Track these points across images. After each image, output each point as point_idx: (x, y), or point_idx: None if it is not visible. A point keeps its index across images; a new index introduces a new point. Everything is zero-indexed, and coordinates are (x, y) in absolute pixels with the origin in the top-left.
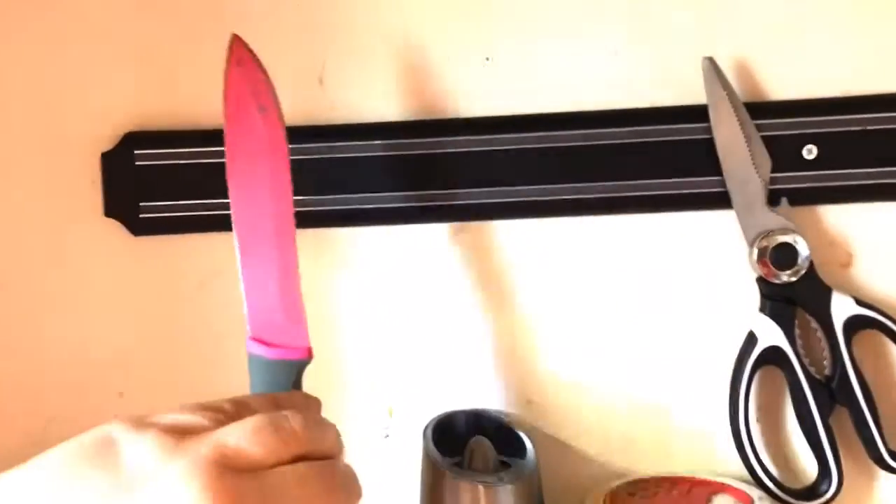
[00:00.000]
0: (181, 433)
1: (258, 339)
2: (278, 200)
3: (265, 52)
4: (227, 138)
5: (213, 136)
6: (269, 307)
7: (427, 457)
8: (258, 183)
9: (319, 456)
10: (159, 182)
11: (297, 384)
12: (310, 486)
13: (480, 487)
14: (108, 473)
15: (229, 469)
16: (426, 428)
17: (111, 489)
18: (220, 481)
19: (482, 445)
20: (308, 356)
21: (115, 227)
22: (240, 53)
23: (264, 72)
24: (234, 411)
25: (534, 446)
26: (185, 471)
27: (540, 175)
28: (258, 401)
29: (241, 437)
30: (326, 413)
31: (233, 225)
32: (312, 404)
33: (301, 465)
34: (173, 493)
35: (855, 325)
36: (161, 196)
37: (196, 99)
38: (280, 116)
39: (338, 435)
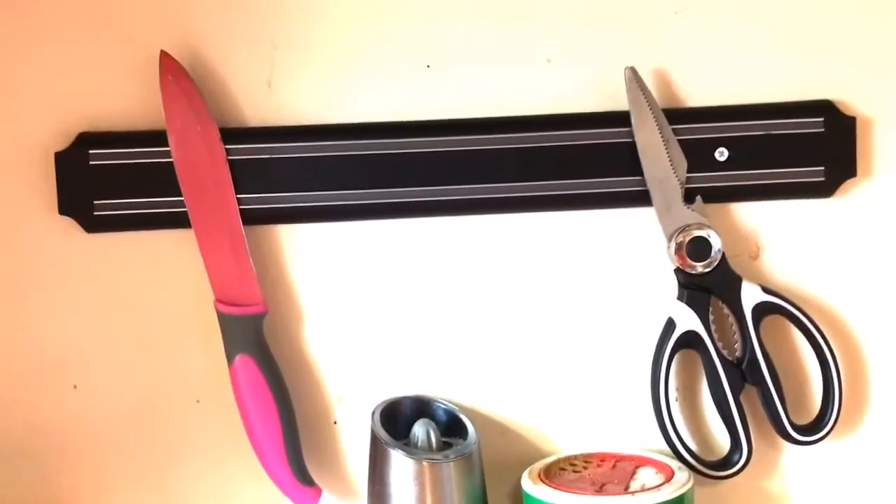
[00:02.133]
0: None
1: (222, 301)
2: (220, 187)
3: (217, 58)
4: (171, 139)
5: (163, 137)
6: (226, 275)
7: (375, 437)
8: (201, 174)
9: None
10: (112, 180)
11: (258, 332)
12: None
13: (426, 464)
14: None
15: None
16: (374, 411)
17: None
18: None
19: (427, 425)
20: (263, 310)
21: (69, 225)
22: (169, 67)
23: (192, 81)
24: None
25: (475, 428)
26: None
27: (478, 175)
28: None
29: None
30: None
31: (188, 213)
32: None
33: None
34: None
35: (762, 311)
36: (114, 194)
37: (148, 100)
38: (211, 117)
39: None
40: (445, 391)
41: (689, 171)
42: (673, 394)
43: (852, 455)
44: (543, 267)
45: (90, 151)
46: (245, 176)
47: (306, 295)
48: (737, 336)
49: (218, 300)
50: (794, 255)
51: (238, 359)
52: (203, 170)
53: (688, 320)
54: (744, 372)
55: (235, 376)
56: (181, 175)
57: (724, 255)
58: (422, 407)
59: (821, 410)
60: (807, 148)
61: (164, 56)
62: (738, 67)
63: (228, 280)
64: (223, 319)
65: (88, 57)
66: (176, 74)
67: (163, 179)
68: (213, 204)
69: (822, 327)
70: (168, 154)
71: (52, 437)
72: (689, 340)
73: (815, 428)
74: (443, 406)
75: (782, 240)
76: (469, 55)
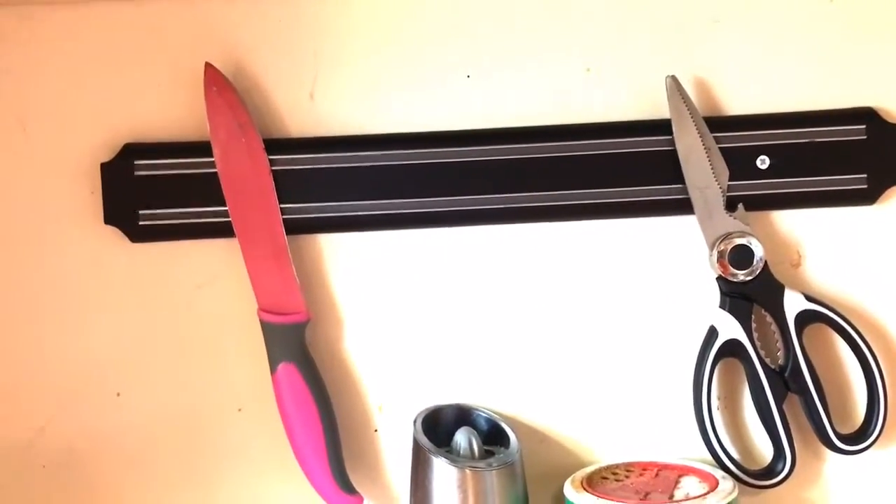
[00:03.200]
0: None
1: (265, 309)
2: (263, 197)
3: (260, 70)
4: (216, 150)
5: (207, 148)
6: (269, 283)
7: (417, 445)
8: (245, 184)
9: None
10: (157, 191)
11: (301, 340)
12: None
13: (469, 472)
14: None
15: None
16: (416, 418)
17: None
18: None
19: (469, 434)
20: (306, 318)
21: (114, 235)
22: (214, 79)
23: (236, 92)
24: None
25: (516, 436)
26: None
27: (520, 184)
28: None
29: None
30: None
31: (232, 223)
32: None
33: None
34: None
35: (805, 319)
36: (159, 204)
37: (192, 111)
38: (255, 128)
39: None
40: (486, 400)
41: (730, 180)
42: (715, 402)
43: None
44: (585, 275)
45: (136, 162)
46: (288, 186)
47: (348, 304)
48: (779, 344)
49: (261, 308)
50: (836, 264)
51: (281, 367)
52: (247, 180)
53: (730, 328)
54: (787, 380)
55: (278, 384)
56: (225, 185)
57: (765, 262)
58: (463, 415)
59: (865, 419)
60: (849, 155)
61: (209, 68)
62: (779, 75)
63: (272, 288)
64: (266, 328)
65: (134, 69)
66: (220, 86)
67: (207, 189)
68: (256, 213)
69: (864, 334)
70: (212, 164)
71: (95, 446)
72: (732, 349)
73: (859, 437)
74: (484, 415)
75: (824, 248)
76: (508, 65)
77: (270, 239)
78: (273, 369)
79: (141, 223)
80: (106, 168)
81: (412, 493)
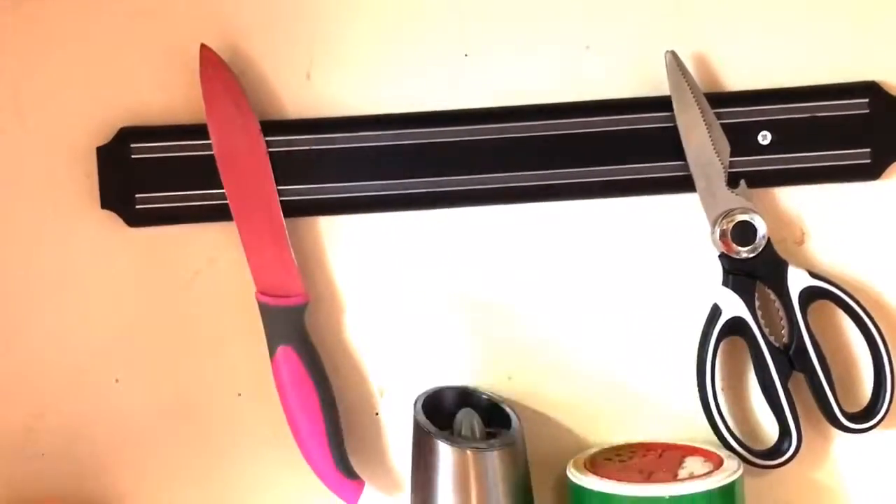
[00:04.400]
0: None
1: (264, 292)
2: (261, 179)
3: (255, 51)
4: (212, 133)
5: (204, 130)
6: (268, 266)
7: (418, 427)
8: (242, 166)
9: None
10: (154, 174)
11: (300, 323)
12: None
13: (469, 453)
14: None
15: None
16: (416, 400)
17: None
18: None
19: (470, 416)
20: (305, 301)
21: (111, 219)
22: (210, 60)
23: (233, 74)
24: None
25: (518, 417)
26: None
27: (520, 163)
28: None
29: None
30: None
31: (230, 205)
32: None
33: None
34: None
35: (810, 296)
36: (156, 188)
37: (188, 94)
38: (251, 110)
39: None
40: (488, 381)
41: (732, 156)
42: (719, 382)
43: None
44: (586, 255)
45: (132, 146)
46: (285, 168)
47: (347, 286)
48: (784, 322)
49: (260, 292)
50: (840, 240)
51: (280, 350)
52: (244, 162)
53: (733, 306)
54: (791, 358)
55: (277, 368)
56: (222, 168)
57: (769, 239)
58: (464, 397)
59: (872, 397)
60: (852, 130)
61: (205, 50)
62: (780, 49)
63: (270, 271)
64: (265, 310)
65: (129, 52)
66: (216, 68)
67: (204, 172)
68: (254, 196)
69: (870, 311)
70: (209, 147)
71: (94, 431)
72: (735, 327)
73: (866, 415)
74: (485, 396)
75: (828, 224)
76: (507, 43)
77: (268, 221)
78: (272, 353)
79: (138, 207)
80: (102, 152)
81: (413, 476)
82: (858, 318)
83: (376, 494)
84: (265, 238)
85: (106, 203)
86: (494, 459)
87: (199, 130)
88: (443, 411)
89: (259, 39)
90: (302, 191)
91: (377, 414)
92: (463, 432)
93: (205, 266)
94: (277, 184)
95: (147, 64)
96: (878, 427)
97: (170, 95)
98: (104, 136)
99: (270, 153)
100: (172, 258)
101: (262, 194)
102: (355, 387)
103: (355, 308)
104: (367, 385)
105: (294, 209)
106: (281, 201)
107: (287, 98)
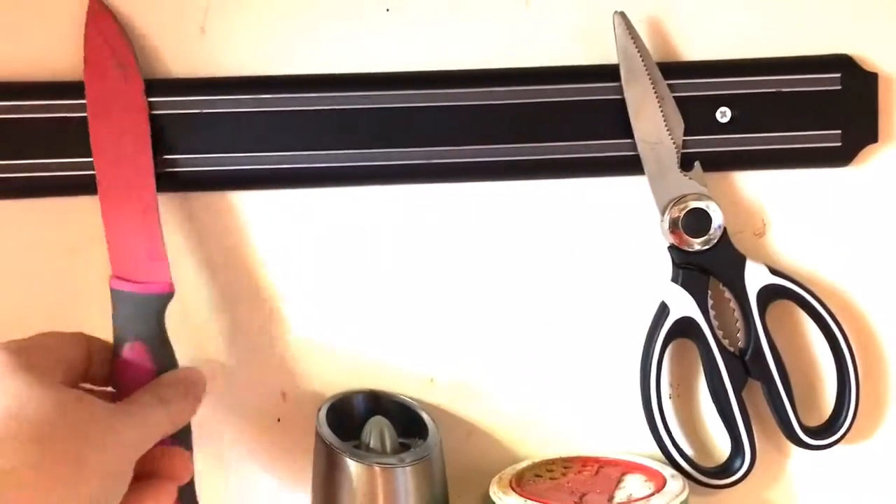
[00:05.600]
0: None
1: (121, 277)
2: (138, 153)
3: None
4: (88, 94)
5: (71, 89)
6: (131, 247)
7: (320, 440)
8: (119, 136)
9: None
10: (12, 139)
11: (158, 317)
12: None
13: (377, 469)
14: None
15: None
16: (319, 409)
17: None
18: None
19: (380, 424)
20: (169, 290)
21: None
22: (98, 11)
23: (122, 30)
24: None
25: (436, 427)
26: None
27: (443, 137)
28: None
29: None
30: (219, 399)
31: (96, 175)
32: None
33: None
34: None
35: (769, 294)
36: (14, 155)
37: (54, 49)
38: (138, 72)
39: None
40: (403, 386)
41: (686, 134)
42: (666, 389)
43: (868, 461)
44: (519, 242)
45: None
46: (173, 133)
47: (242, 275)
48: (739, 324)
49: (115, 275)
50: (805, 232)
51: (128, 347)
52: (121, 129)
53: (683, 305)
54: (747, 365)
55: (121, 367)
56: (94, 134)
57: (725, 230)
58: (375, 403)
59: (834, 410)
60: (822, 109)
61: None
62: (745, 16)
63: (132, 253)
64: (119, 299)
65: None
66: (101, 18)
67: (72, 137)
68: (127, 168)
69: (836, 314)
70: (79, 109)
71: None
72: (685, 328)
73: (827, 430)
74: (399, 402)
75: (792, 214)
76: None
77: (140, 197)
78: (118, 349)
79: None
80: None
81: (314, 493)
82: (822, 320)
83: None
84: (133, 215)
85: None
86: (407, 476)
87: (64, 88)
88: (351, 420)
89: None
90: (191, 161)
91: (279, 420)
92: (371, 444)
93: (69, 246)
94: (163, 152)
95: (8, 13)
96: (839, 443)
97: (36, 47)
98: None
99: (157, 115)
100: (31, 236)
101: (138, 166)
102: (255, 390)
103: (253, 306)
104: (269, 388)
105: (181, 182)
106: (166, 172)
107: (178, 54)
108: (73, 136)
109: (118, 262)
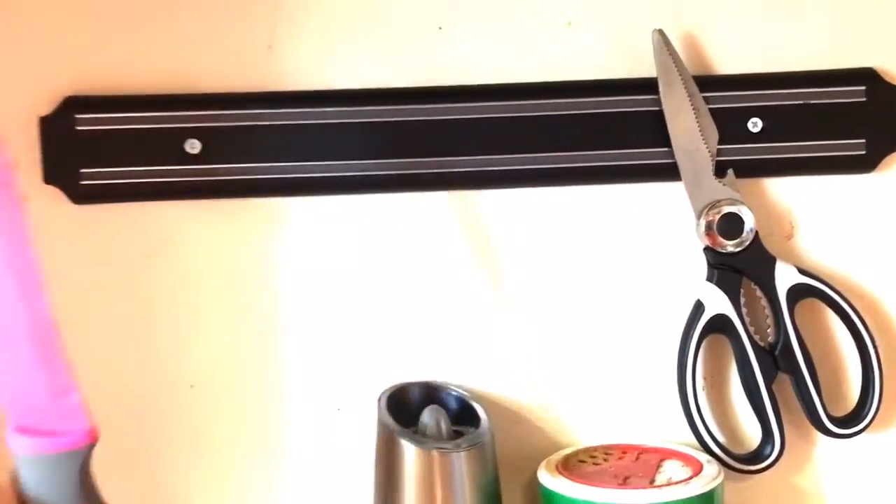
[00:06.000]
0: None
1: (23, 429)
2: (21, 270)
3: (213, 17)
4: None
5: (158, 101)
6: (28, 386)
7: (381, 425)
8: None
9: None
10: (102, 148)
11: (83, 474)
12: None
13: (435, 454)
14: None
15: None
16: (380, 397)
17: None
18: None
19: (437, 413)
20: (92, 440)
21: (54, 195)
22: None
23: None
24: None
25: (488, 416)
26: None
27: (494, 146)
28: None
29: None
30: (279, 391)
31: None
32: None
33: None
34: None
35: (798, 293)
36: (103, 162)
37: (140, 62)
38: (14, 187)
39: None
40: (456, 377)
41: (720, 143)
42: (700, 382)
43: (891, 449)
44: (563, 246)
45: (77, 116)
46: (251, 144)
47: (316, 275)
48: (770, 320)
49: (15, 429)
50: (831, 235)
51: None
52: None
53: (717, 303)
54: (777, 359)
55: None
56: None
57: (756, 233)
58: (431, 394)
59: (859, 401)
60: (847, 119)
61: None
62: (774, 32)
63: (30, 390)
64: (25, 463)
65: (76, 14)
66: None
67: (156, 146)
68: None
69: (860, 311)
70: (162, 120)
71: None
72: (719, 324)
73: (853, 420)
74: (454, 393)
75: (819, 218)
76: (483, 17)
77: (26, 313)
78: None
79: (83, 183)
80: (45, 122)
81: (376, 477)
82: (848, 318)
83: (339, 492)
84: (20, 342)
85: (49, 178)
86: (461, 460)
87: (150, 101)
88: (408, 409)
89: (218, 7)
90: (254, 170)
91: (339, 410)
92: (428, 431)
93: (157, 248)
94: (236, 161)
95: (94, 30)
96: (864, 432)
97: (119, 63)
98: (48, 105)
99: (228, 127)
100: (122, 239)
101: (20, 279)
102: (317, 381)
103: (315, 300)
104: (330, 380)
105: (260, 188)
106: (240, 179)
107: (246, 69)
108: (155, 145)
109: (15, 407)
